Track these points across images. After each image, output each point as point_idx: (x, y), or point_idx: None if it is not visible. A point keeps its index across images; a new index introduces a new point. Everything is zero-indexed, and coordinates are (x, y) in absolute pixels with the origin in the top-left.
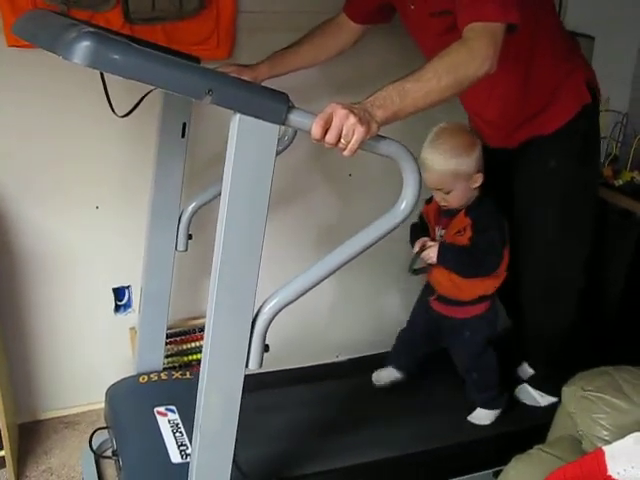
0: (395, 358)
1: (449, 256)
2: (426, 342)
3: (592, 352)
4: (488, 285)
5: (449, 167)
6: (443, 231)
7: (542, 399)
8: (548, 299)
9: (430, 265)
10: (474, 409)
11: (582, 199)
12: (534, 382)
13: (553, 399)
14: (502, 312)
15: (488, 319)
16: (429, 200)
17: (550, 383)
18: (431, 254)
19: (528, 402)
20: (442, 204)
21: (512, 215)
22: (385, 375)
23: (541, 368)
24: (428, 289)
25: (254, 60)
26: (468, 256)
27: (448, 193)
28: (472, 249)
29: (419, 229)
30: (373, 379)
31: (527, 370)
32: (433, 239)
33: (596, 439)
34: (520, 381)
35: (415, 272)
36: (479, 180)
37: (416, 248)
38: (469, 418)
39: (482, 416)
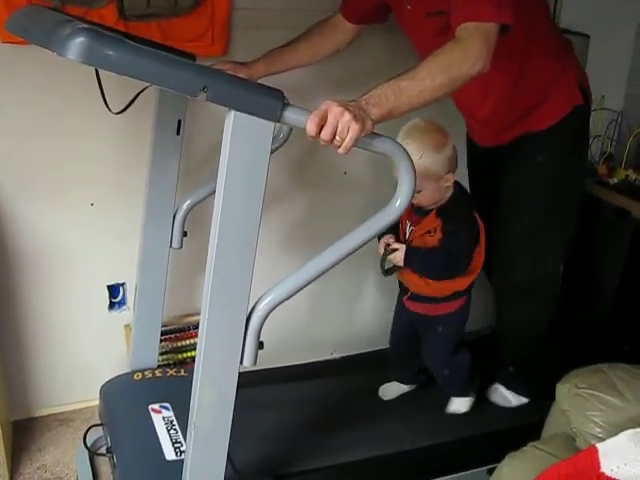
0: (395, 373)
1: (415, 259)
2: (412, 345)
3: (586, 350)
4: (461, 282)
5: (417, 166)
6: (411, 228)
7: (514, 399)
8: (524, 298)
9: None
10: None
11: (565, 198)
12: (507, 382)
13: (524, 399)
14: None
15: (462, 315)
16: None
17: (523, 383)
18: (397, 257)
19: (499, 402)
20: (413, 201)
21: (497, 210)
22: (391, 390)
23: (514, 368)
24: (402, 288)
25: (249, 57)
26: (435, 259)
27: (418, 192)
28: (440, 252)
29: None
30: (380, 394)
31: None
32: (398, 238)
33: (590, 436)
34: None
35: (386, 273)
36: (450, 180)
37: (380, 248)
38: (447, 411)
39: (461, 405)
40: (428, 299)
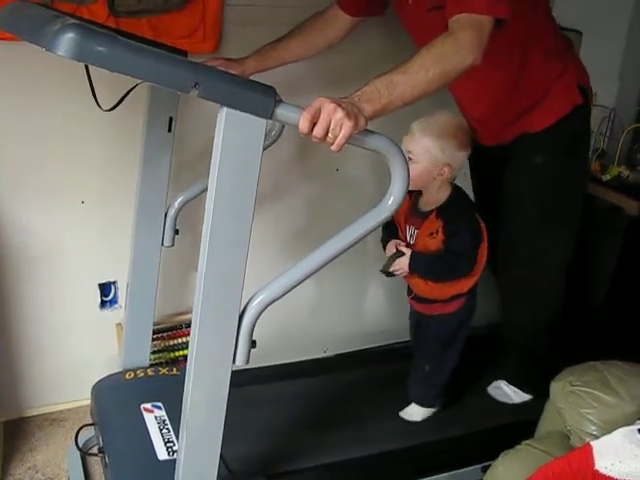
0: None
1: (421, 265)
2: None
3: (580, 348)
4: (462, 285)
5: (424, 139)
6: (416, 231)
7: (516, 396)
8: (529, 295)
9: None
10: (408, 404)
11: (567, 197)
12: (510, 378)
13: (527, 397)
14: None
15: (459, 317)
16: None
17: (527, 381)
18: (403, 265)
19: (500, 399)
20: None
21: (499, 209)
22: (409, 413)
23: (518, 365)
24: (409, 289)
25: (240, 54)
26: (440, 263)
27: (410, 159)
28: (444, 255)
29: (392, 228)
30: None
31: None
32: (404, 240)
33: (584, 434)
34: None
35: (388, 274)
36: (444, 174)
37: (389, 251)
38: (400, 414)
39: (416, 412)
40: (429, 300)
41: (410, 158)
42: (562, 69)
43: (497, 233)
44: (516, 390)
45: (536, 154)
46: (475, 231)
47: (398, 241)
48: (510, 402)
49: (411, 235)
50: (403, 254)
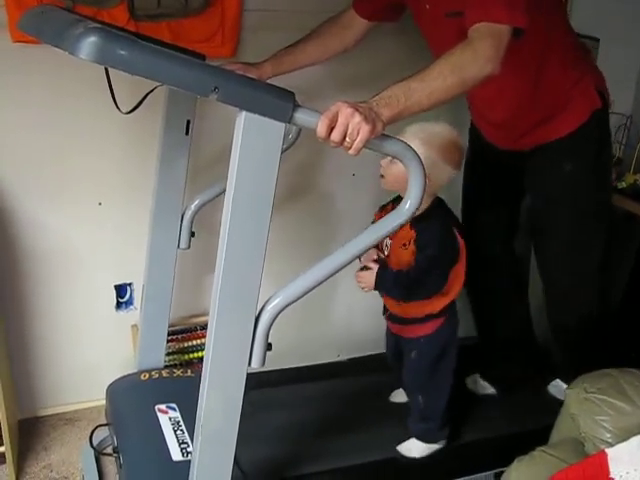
0: (399, 383)
1: (386, 282)
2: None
3: (595, 354)
4: (434, 304)
5: (412, 143)
6: (390, 241)
7: None
8: (566, 304)
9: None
10: (408, 438)
11: (597, 202)
12: (567, 378)
13: None
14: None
15: (438, 339)
16: (382, 207)
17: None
18: (367, 282)
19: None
20: (381, 172)
21: (530, 223)
22: (401, 395)
23: (570, 364)
24: (384, 307)
25: (258, 59)
26: (406, 279)
27: (392, 162)
28: (411, 271)
29: None
30: (390, 397)
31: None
32: (380, 250)
33: (599, 441)
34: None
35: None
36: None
37: (365, 260)
38: (398, 448)
39: (414, 448)
40: (402, 320)
41: (392, 162)
42: (580, 76)
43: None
44: None
45: (563, 162)
46: (448, 247)
47: (375, 251)
48: None
49: (386, 245)
50: (370, 269)
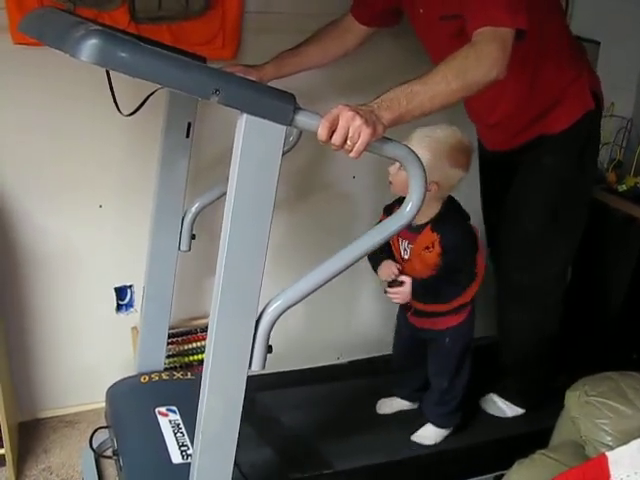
0: (398, 389)
1: (422, 293)
2: (415, 361)
3: (595, 358)
4: (465, 296)
5: (419, 151)
6: (410, 246)
7: (509, 410)
8: (523, 302)
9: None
10: (422, 425)
11: (574, 202)
12: (503, 392)
13: (520, 410)
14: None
15: (470, 326)
16: (387, 208)
17: (520, 394)
18: (404, 296)
19: (493, 412)
20: (389, 179)
21: (505, 213)
22: (390, 406)
23: (512, 377)
24: (404, 306)
25: (258, 61)
26: (440, 283)
27: (400, 169)
28: (442, 272)
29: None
30: (377, 408)
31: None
32: (396, 253)
33: (599, 444)
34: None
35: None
36: (431, 190)
37: (383, 273)
38: (413, 437)
39: (428, 434)
40: (434, 314)
41: (400, 168)
42: (575, 75)
43: (501, 238)
44: (509, 404)
45: (546, 157)
46: (472, 243)
47: (393, 264)
48: (503, 416)
49: (405, 249)
50: (402, 283)
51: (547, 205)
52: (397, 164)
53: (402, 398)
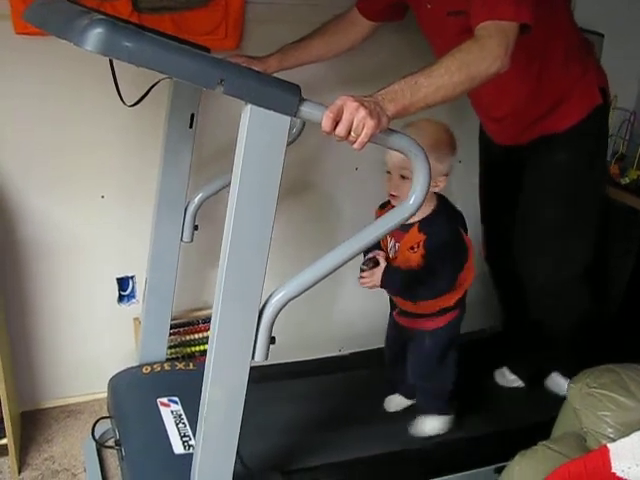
0: (396, 387)
1: (394, 281)
2: (406, 360)
3: (597, 350)
4: (449, 299)
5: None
6: (397, 244)
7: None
8: (549, 299)
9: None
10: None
11: (588, 198)
12: (565, 371)
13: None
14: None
15: (452, 329)
16: (383, 205)
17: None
18: (374, 278)
19: (559, 392)
20: (392, 192)
21: (517, 210)
22: (395, 403)
23: (568, 355)
24: (392, 304)
25: (261, 51)
26: (416, 281)
27: (404, 178)
28: (421, 272)
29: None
30: (384, 406)
31: (506, 374)
32: (385, 251)
33: (601, 436)
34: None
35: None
36: (439, 185)
37: (368, 256)
38: (411, 431)
39: (427, 424)
40: (415, 314)
41: (404, 177)
42: (582, 71)
43: (516, 233)
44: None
45: (558, 155)
46: (456, 250)
47: (381, 252)
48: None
49: (391, 248)
50: (378, 264)
51: (559, 204)
52: (395, 161)
53: (404, 396)
